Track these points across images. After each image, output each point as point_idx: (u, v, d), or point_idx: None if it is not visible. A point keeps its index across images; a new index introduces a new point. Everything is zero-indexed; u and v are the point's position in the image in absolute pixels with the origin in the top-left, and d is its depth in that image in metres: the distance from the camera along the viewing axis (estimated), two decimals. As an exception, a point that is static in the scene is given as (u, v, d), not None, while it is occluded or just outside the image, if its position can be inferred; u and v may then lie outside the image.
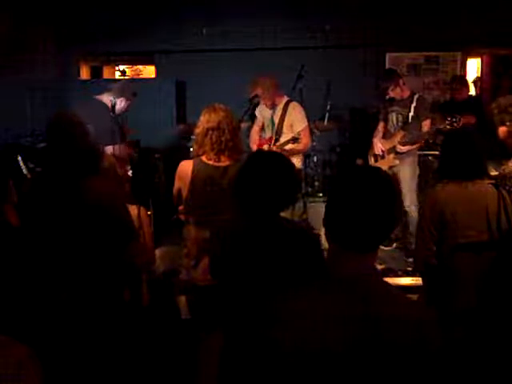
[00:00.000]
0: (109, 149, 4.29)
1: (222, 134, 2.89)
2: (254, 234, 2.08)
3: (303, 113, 4.74)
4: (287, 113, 4.68)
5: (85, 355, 2.37)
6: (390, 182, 1.42)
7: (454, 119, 4.29)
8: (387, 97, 4.99)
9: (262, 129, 5.00)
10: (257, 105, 4.86)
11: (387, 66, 7.00)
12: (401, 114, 4.92)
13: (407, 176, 4.89)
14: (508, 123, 3.19)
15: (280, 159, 2.17)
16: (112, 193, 2.67)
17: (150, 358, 2.87)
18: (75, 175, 2.49)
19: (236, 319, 2.00)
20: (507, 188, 2.86)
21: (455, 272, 2.69)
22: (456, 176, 2.76)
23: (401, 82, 4.90)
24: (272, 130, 4.81)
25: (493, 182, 2.81)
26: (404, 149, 4.83)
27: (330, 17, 6.78)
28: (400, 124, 4.93)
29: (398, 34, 6.72)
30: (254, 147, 4.90)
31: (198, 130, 2.98)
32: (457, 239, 2.69)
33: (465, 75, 6.89)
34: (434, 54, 7.02)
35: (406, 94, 4.93)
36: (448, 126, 4.31)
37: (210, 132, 2.90)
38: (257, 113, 5.00)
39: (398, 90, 4.88)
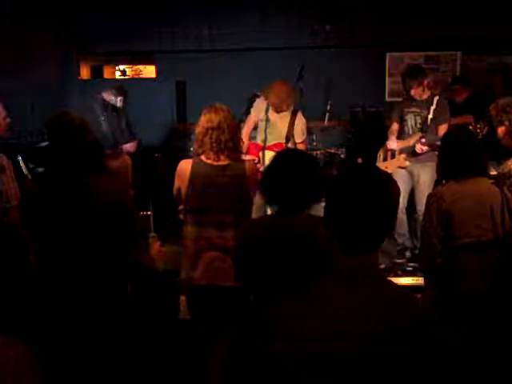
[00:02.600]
0: (126, 147, 4.61)
1: (221, 134, 2.89)
2: (278, 233, 2.13)
3: (305, 127, 4.66)
4: (295, 122, 4.56)
5: (85, 354, 2.37)
6: (384, 180, 1.40)
7: (479, 126, 4.00)
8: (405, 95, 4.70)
9: (254, 129, 4.77)
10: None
11: (387, 66, 7.01)
12: (419, 115, 4.64)
13: (427, 181, 4.55)
14: (507, 123, 3.19)
15: (306, 157, 2.33)
16: (120, 191, 2.67)
17: (149, 358, 2.87)
18: (79, 172, 2.49)
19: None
20: (506, 187, 2.86)
21: (461, 271, 2.70)
22: (457, 175, 2.77)
23: (425, 82, 4.59)
24: (266, 131, 4.61)
25: (493, 181, 2.82)
26: (424, 148, 4.49)
27: (329, 17, 6.78)
28: (418, 126, 4.65)
29: (398, 34, 6.72)
30: (246, 155, 4.53)
31: (198, 130, 2.98)
32: (462, 238, 2.70)
33: (465, 75, 6.88)
34: (434, 53, 7.02)
35: (426, 94, 4.63)
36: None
37: (210, 131, 2.90)
38: (252, 110, 4.73)
39: (420, 89, 4.57)
